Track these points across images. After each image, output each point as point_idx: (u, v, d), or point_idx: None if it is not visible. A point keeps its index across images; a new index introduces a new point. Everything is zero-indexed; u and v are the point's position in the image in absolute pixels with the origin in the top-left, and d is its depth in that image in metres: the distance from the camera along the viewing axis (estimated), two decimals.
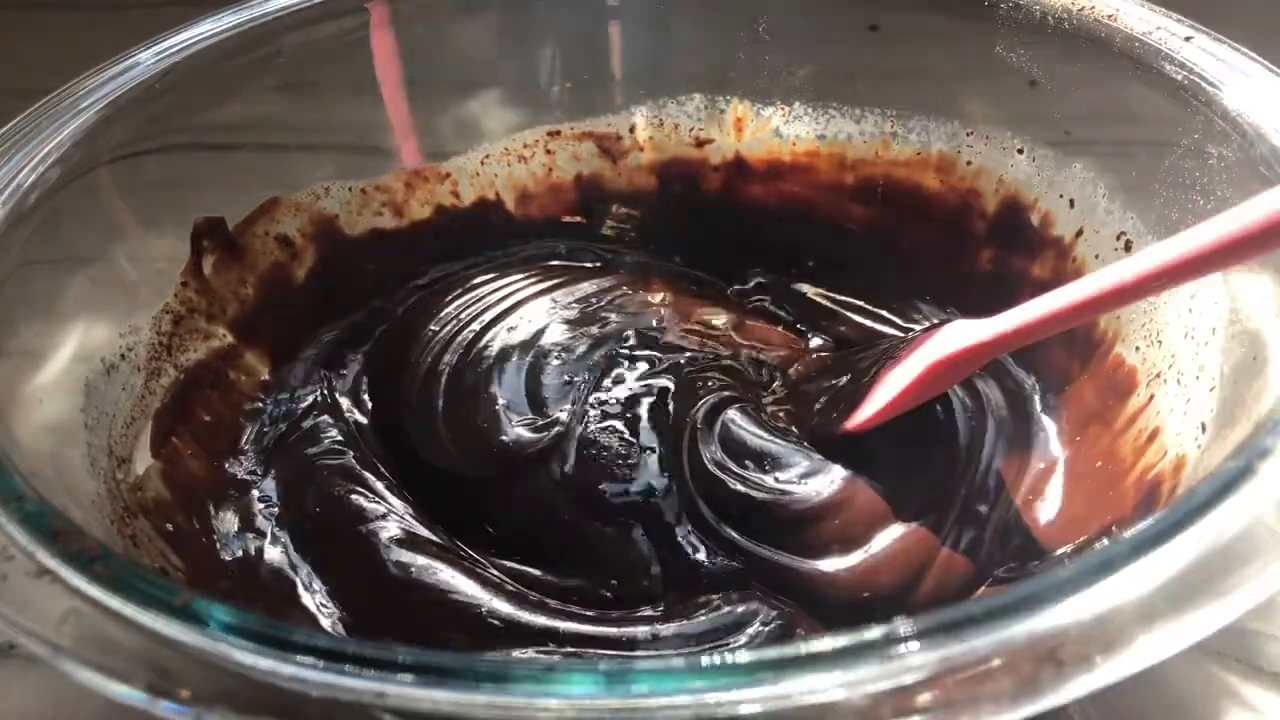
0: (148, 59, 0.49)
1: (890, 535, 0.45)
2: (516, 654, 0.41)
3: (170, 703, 0.26)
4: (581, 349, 0.53)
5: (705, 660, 0.25)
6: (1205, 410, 0.40)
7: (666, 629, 0.42)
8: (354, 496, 0.48)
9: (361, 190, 0.60)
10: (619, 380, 0.51)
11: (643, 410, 0.50)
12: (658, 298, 0.58)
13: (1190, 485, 0.33)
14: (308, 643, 0.26)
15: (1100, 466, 0.45)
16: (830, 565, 0.44)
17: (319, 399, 0.54)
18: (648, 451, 0.48)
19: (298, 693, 0.26)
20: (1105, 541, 0.40)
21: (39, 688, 0.44)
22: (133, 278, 0.49)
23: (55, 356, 0.43)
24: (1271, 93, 0.42)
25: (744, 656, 0.25)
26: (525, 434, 0.48)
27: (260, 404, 0.54)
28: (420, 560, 0.45)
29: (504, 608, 0.43)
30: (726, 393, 0.50)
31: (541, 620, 0.42)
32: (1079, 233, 0.51)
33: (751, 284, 0.62)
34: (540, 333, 0.54)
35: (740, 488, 0.46)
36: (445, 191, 0.62)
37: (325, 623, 0.44)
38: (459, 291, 0.57)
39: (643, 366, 0.52)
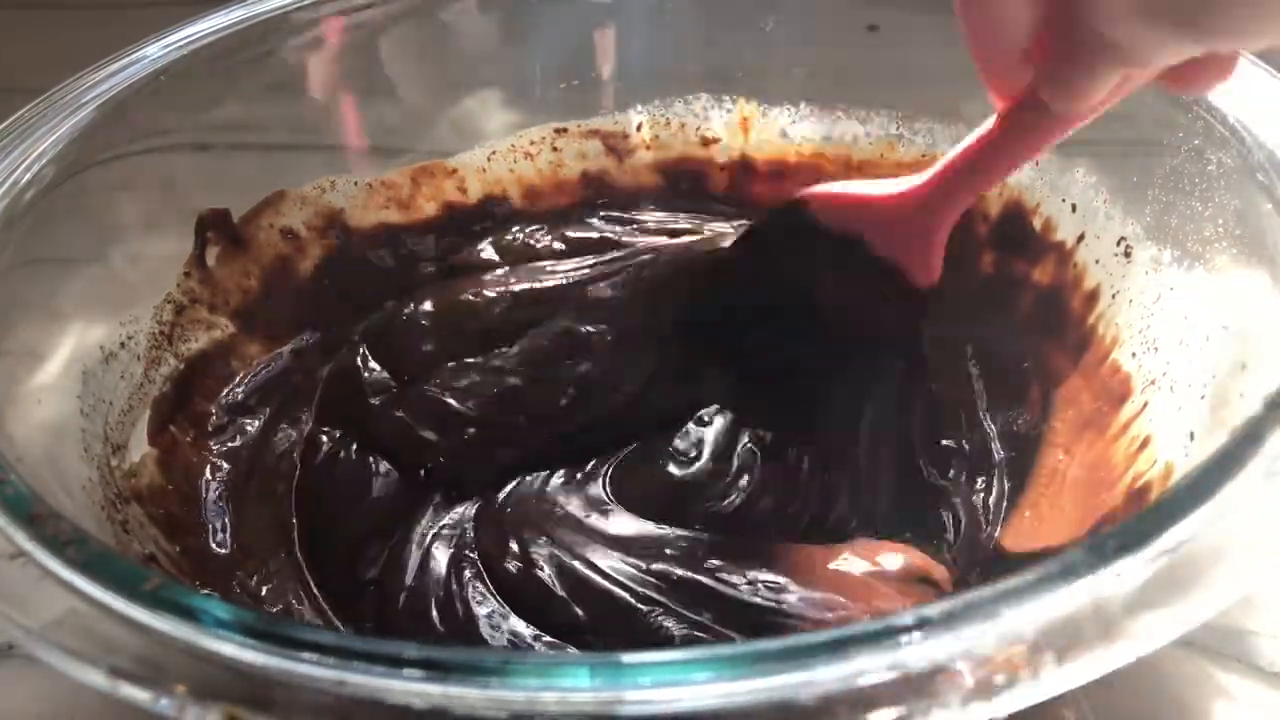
0: (148, 56, 0.50)
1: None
2: None
3: (132, 687, 0.26)
4: None
5: (707, 652, 0.25)
6: (1194, 418, 0.39)
7: None
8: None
9: (368, 185, 0.60)
10: None
11: None
12: None
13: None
14: (285, 633, 0.26)
15: (1091, 473, 0.45)
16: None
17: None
18: None
19: (261, 678, 0.26)
20: None
21: (39, 688, 0.43)
22: (131, 278, 0.50)
23: (53, 357, 0.44)
24: (1272, 98, 0.42)
25: (748, 648, 0.25)
26: None
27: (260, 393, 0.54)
28: None
29: None
30: None
31: None
32: (1080, 237, 0.51)
33: None
34: None
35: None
36: (452, 187, 0.63)
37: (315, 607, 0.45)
38: None
39: None
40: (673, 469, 0.48)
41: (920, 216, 0.44)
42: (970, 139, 0.41)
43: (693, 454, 0.49)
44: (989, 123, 0.40)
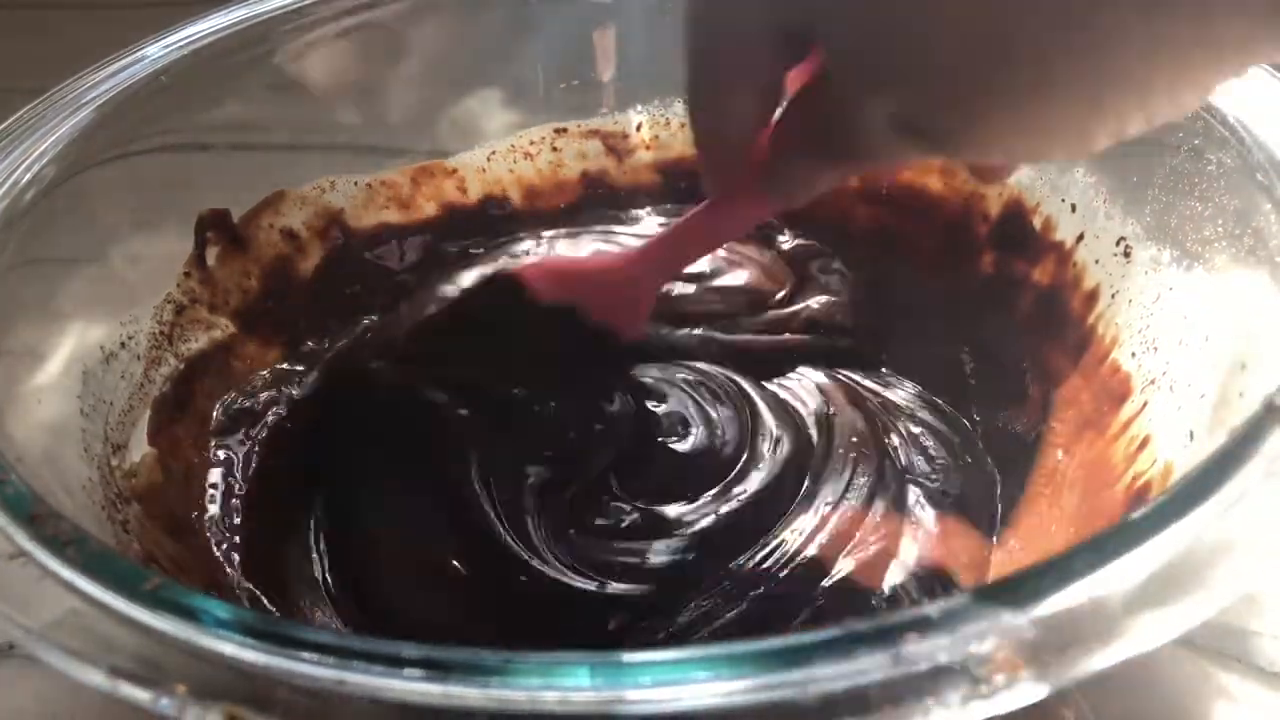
0: (148, 56, 0.50)
1: None
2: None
3: (133, 687, 0.26)
4: None
5: (708, 652, 0.25)
6: (1194, 418, 0.39)
7: None
8: None
9: (368, 185, 0.60)
10: None
11: None
12: None
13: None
14: (285, 633, 0.26)
15: (1091, 473, 0.45)
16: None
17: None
18: None
19: (261, 678, 0.26)
20: None
21: (39, 688, 0.43)
22: (131, 278, 0.50)
23: (53, 357, 0.44)
24: (1272, 98, 0.42)
25: (748, 648, 0.25)
26: None
27: (262, 394, 0.54)
28: None
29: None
30: None
31: None
32: (1080, 237, 0.51)
33: None
34: None
35: None
36: (451, 187, 0.63)
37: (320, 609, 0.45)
38: None
39: None
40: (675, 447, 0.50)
41: (629, 288, 0.47)
42: (679, 220, 0.44)
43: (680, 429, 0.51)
44: (698, 208, 0.43)
